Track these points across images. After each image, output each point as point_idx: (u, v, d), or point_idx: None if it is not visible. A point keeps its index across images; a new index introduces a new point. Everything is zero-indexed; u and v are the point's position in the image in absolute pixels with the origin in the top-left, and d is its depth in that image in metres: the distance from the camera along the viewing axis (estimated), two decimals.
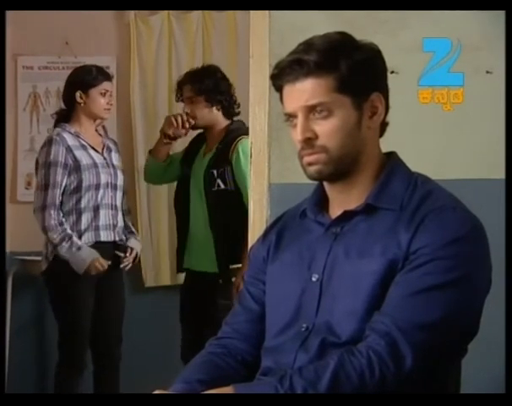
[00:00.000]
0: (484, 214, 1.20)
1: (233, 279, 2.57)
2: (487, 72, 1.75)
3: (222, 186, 2.59)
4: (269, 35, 1.81)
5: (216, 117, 2.68)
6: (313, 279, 1.20)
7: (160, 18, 3.47)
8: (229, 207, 2.58)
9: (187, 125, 2.73)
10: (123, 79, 3.53)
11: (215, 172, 2.60)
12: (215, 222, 2.59)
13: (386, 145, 1.25)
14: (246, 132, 2.66)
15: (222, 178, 2.59)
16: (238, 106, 2.73)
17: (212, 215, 2.60)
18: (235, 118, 2.74)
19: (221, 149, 2.62)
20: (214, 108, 2.67)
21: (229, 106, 2.69)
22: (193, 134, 2.88)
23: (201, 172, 2.67)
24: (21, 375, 3.32)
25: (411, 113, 1.78)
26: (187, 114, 2.72)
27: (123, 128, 3.52)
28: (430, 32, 1.78)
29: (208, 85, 2.68)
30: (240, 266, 2.56)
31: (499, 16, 1.62)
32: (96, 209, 2.72)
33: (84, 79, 2.77)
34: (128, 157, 3.58)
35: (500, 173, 1.65)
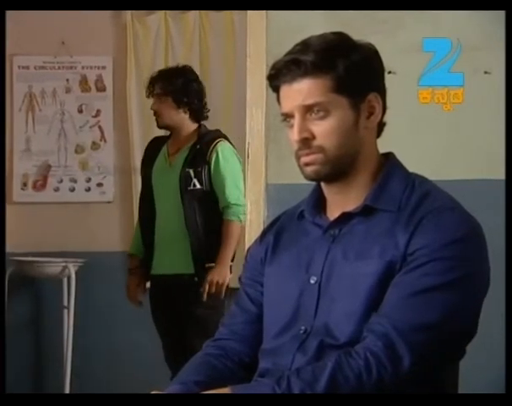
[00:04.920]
0: (484, 215, 1.20)
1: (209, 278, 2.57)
2: (485, 72, 1.76)
3: (198, 186, 2.60)
4: (267, 36, 1.81)
5: (183, 119, 2.67)
6: (312, 281, 1.19)
7: (157, 18, 3.47)
8: (204, 207, 2.60)
9: None
10: (120, 80, 3.53)
11: (191, 171, 2.60)
12: (190, 221, 2.59)
13: (386, 145, 1.24)
14: (221, 135, 2.69)
15: (199, 177, 2.60)
16: (207, 111, 2.73)
17: (188, 214, 2.59)
18: (202, 122, 2.73)
19: (199, 149, 2.62)
20: (181, 110, 2.66)
21: (197, 109, 2.69)
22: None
23: (173, 172, 2.64)
24: (16, 375, 3.31)
25: (411, 113, 1.78)
26: (156, 111, 2.67)
27: (120, 129, 3.52)
28: (430, 32, 1.78)
29: (176, 85, 2.66)
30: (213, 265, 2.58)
31: (499, 16, 1.62)
32: None
33: None
34: (124, 157, 3.58)
35: (500, 174, 1.65)
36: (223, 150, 2.62)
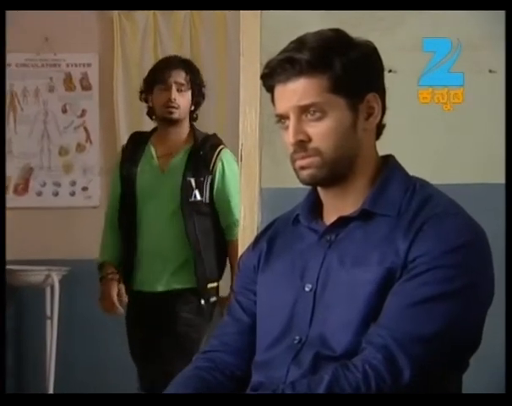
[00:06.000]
0: (484, 219, 1.19)
1: (212, 299, 2.39)
2: (490, 71, 1.77)
3: (198, 197, 2.37)
4: (261, 33, 1.80)
5: (187, 115, 2.46)
6: (306, 289, 1.16)
7: (145, 13, 3.43)
8: (202, 221, 2.38)
9: None
10: (106, 77, 3.48)
11: (192, 181, 2.38)
12: (192, 236, 2.36)
13: (385, 146, 1.21)
14: (220, 141, 2.46)
15: (200, 188, 2.38)
16: None
17: (189, 228, 2.36)
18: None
19: (202, 156, 2.40)
20: (192, 106, 2.45)
21: (197, 109, 2.49)
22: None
23: (168, 178, 2.41)
24: None
25: (411, 113, 1.79)
26: (173, 100, 2.41)
27: (106, 129, 3.48)
28: (430, 32, 1.79)
29: (200, 80, 2.47)
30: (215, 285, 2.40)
31: (499, 16, 1.63)
32: None
33: None
34: (111, 160, 3.53)
35: (500, 178, 1.64)
36: (228, 159, 2.40)
